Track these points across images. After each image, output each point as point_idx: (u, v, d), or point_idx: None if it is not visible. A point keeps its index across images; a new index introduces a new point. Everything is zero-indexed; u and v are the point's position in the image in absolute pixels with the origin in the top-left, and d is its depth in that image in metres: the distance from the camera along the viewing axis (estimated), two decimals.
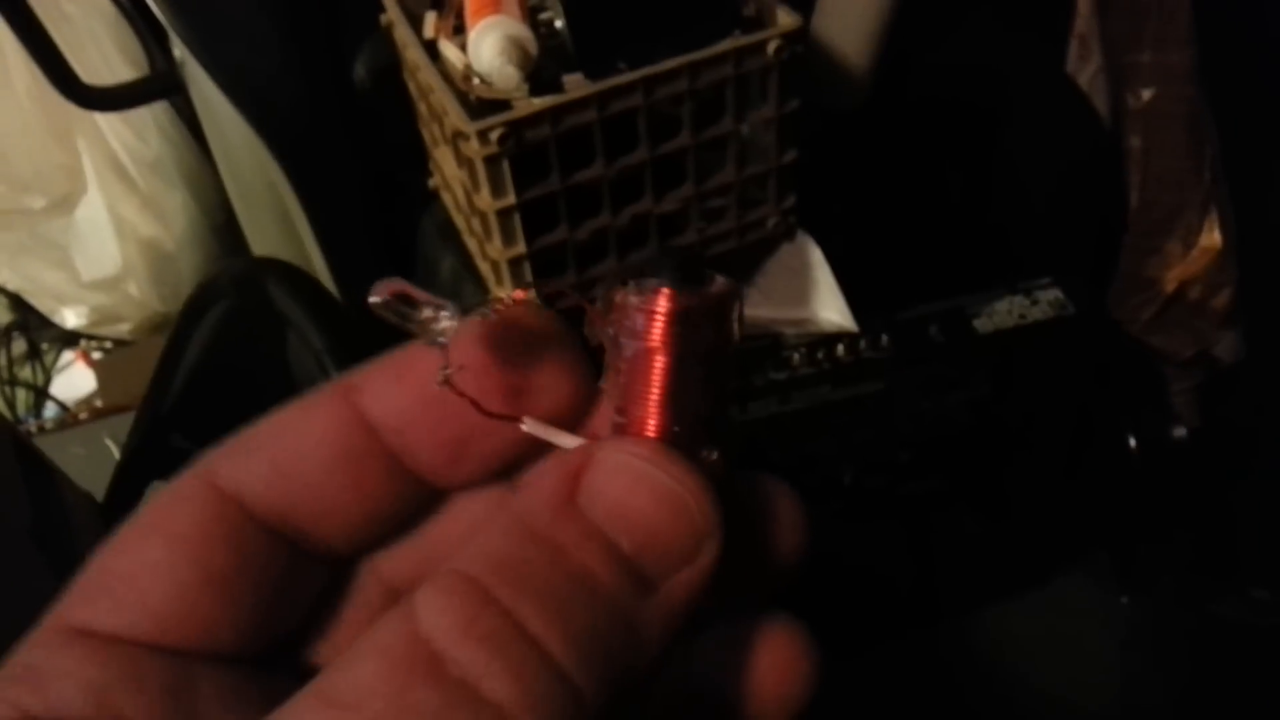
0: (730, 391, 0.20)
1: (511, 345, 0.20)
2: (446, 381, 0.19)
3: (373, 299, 0.19)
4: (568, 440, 0.20)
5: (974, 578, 0.89)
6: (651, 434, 0.19)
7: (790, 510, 0.21)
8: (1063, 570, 0.89)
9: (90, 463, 0.87)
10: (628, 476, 0.18)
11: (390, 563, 0.22)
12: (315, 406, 0.20)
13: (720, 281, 0.19)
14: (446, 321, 0.19)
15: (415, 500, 0.20)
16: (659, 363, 0.19)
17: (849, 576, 0.86)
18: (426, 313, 0.19)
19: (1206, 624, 0.89)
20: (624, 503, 0.18)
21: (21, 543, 0.47)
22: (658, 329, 0.18)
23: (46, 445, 0.93)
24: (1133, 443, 0.82)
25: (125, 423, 0.81)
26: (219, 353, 0.56)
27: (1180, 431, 0.83)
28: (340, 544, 0.20)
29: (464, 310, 0.20)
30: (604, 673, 0.16)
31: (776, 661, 0.21)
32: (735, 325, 0.19)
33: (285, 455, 0.20)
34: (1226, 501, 0.89)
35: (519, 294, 0.20)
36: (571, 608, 0.16)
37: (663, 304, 0.18)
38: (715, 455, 0.19)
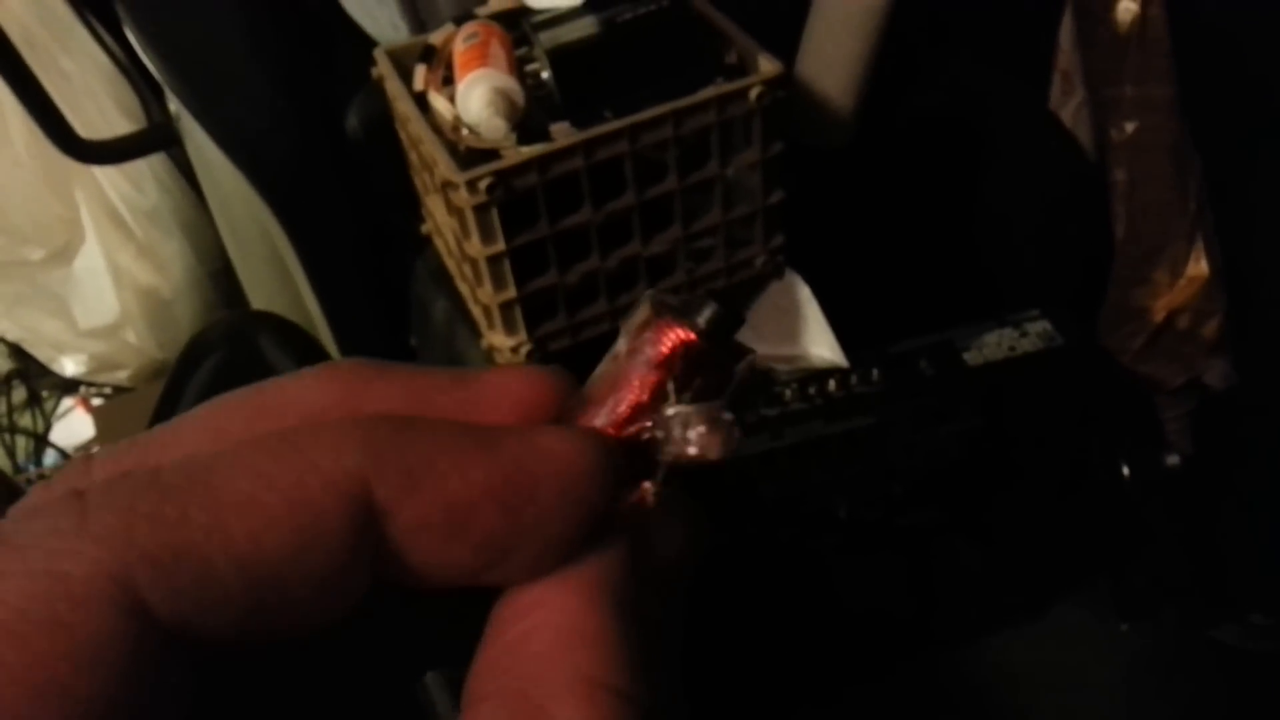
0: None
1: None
2: None
3: None
4: None
5: (972, 609, 0.89)
6: (609, 430, 0.19)
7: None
8: (1061, 599, 0.89)
9: None
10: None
11: None
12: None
13: (743, 349, 0.19)
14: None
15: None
16: (652, 378, 0.19)
17: (846, 609, 0.86)
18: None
19: (1207, 650, 0.89)
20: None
21: None
22: (667, 350, 0.19)
23: None
24: (1126, 471, 0.82)
25: None
26: None
27: (1173, 459, 0.83)
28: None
29: None
30: None
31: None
32: (730, 391, 0.19)
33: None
34: (1222, 527, 0.89)
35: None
36: None
37: (683, 334, 0.19)
38: (650, 487, 0.19)
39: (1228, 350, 0.80)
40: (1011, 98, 0.82)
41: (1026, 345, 0.72)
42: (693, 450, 0.18)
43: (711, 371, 0.19)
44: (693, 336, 0.19)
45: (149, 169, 0.91)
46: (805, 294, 0.68)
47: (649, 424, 0.19)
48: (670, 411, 0.19)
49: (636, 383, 0.19)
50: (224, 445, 0.16)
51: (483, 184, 0.54)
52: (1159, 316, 0.78)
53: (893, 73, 0.72)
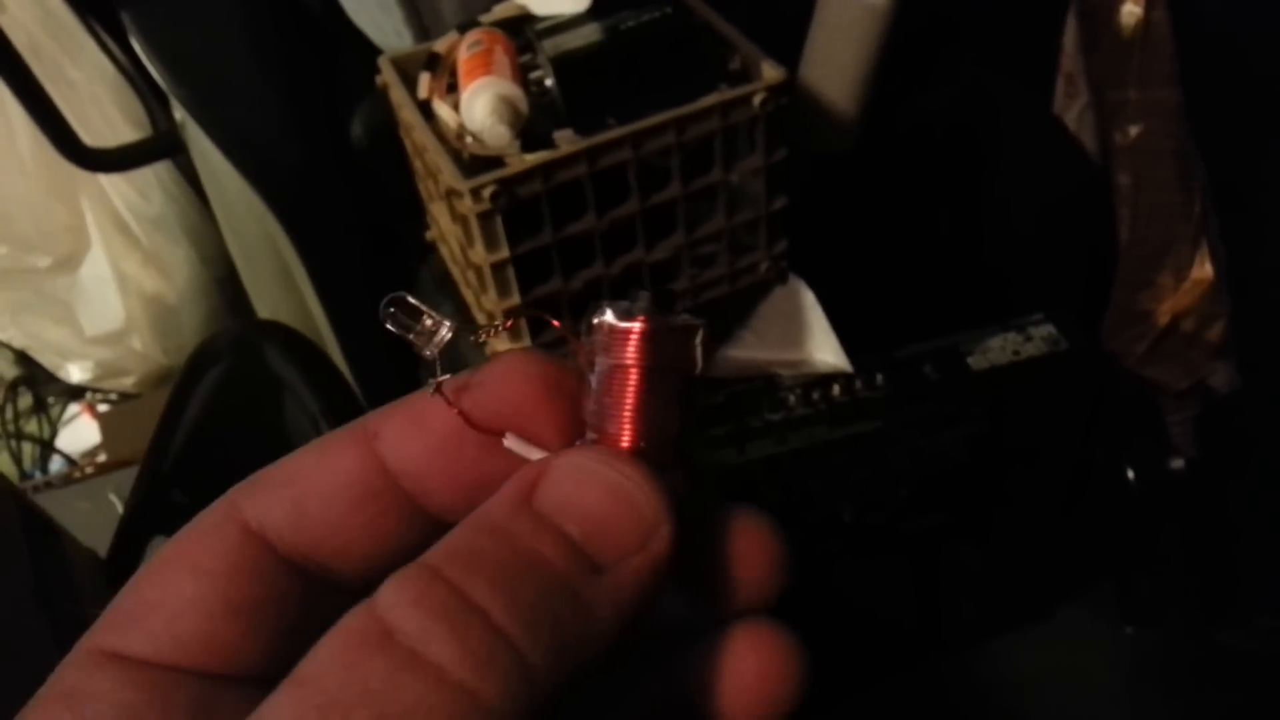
0: (696, 419, 0.22)
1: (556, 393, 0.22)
2: (438, 391, 0.21)
3: (383, 308, 0.21)
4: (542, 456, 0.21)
5: (978, 611, 0.89)
6: (624, 445, 0.21)
7: (763, 534, 0.22)
8: (1066, 602, 0.89)
9: (95, 517, 0.88)
10: (578, 475, 0.19)
11: None
12: (336, 449, 0.21)
13: (687, 316, 0.21)
14: (444, 334, 0.21)
15: (430, 535, 0.21)
16: (631, 378, 0.20)
17: (853, 612, 0.86)
18: (427, 323, 0.21)
19: (1211, 653, 0.89)
20: (574, 496, 0.19)
21: (26, 606, 0.48)
22: (631, 346, 0.20)
23: (52, 500, 0.94)
24: (1131, 474, 0.82)
25: (129, 477, 0.82)
26: (217, 413, 0.57)
27: (1178, 462, 0.83)
28: (358, 577, 0.21)
29: (459, 328, 0.22)
30: (551, 643, 0.17)
31: (757, 663, 0.21)
32: (699, 353, 0.21)
33: (307, 496, 0.21)
34: (1227, 530, 0.89)
35: (509, 323, 0.22)
36: (518, 582, 0.17)
37: (636, 325, 0.20)
38: (680, 473, 0.21)
39: (1232, 354, 0.79)
40: (1015, 102, 0.82)
41: (1031, 349, 0.72)
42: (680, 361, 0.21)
43: (674, 343, 0.21)
44: (640, 324, 0.20)
45: (154, 176, 0.91)
46: (809, 299, 0.68)
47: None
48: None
49: (625, 385, 0.21)
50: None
51: (487, 191, 0.54)
52: (1163, 320, 0.78)
53: (896, 77, 0.72)
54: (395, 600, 0.17)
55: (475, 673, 0.16)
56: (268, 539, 0.20)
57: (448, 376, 0.21)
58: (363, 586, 0.21)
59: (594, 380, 0.21)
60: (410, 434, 0.21)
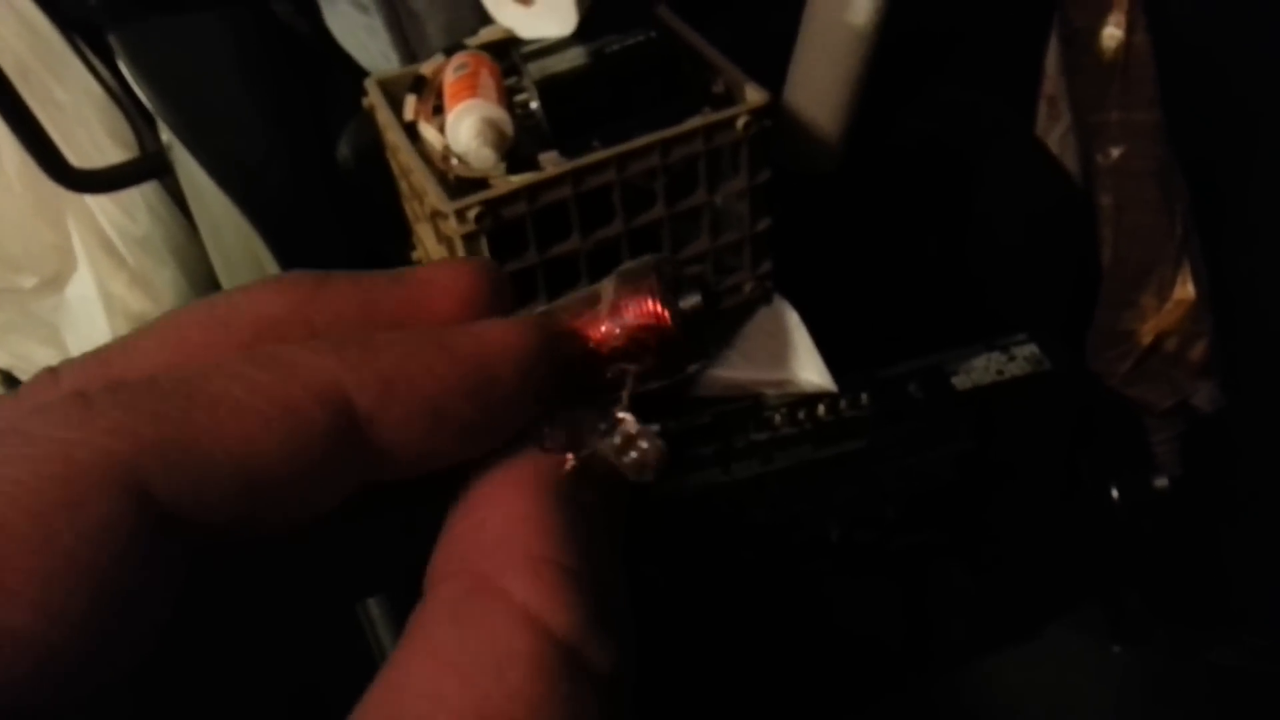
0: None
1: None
2: None
3: None
4: None
5: (966, 631, 0.89)
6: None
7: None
8: (1054, 622, 0.89)
9: None
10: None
11: None
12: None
13: (701, 352, 0.21)
14: None
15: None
16: (614, 337, 0.20)
17: (840, 633, 0.86)
18: None
19: (1200, 672, 0.89)
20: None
21: None
22: (642, 322, 0.20)
23: None
24: (1115, 493, 0.82)
25: None
26: None
27: (1162, 481, 0.84)
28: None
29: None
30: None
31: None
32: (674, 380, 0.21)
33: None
34: (1214, 548, 0.89)
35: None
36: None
37: (662, 314, 0.20)
38: (570, 458, 0.20)
39: (1215, 373, 0.80)
40: (998, 123, 0.83)
41: (1015, 369, 0.72)
42: (621, 463, 0.20)
43: (669, 357, 0.20)
44: (668, 321, 0.20)
45: (141, 197, 0.91)
46: (794, 319, 0.68)
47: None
48: (620, 416, 0.20)
49: (604, 334, 0.20)
50: (186, 355, 0.19)
51: (472, 213, 0.54)
52: (1146, 339, 0.79)
53: (879, 99, 0.73)
54: None
55: None
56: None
57: None
58: None
59: (603, 304, 0.21)
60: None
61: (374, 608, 0.57)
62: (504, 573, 0.17)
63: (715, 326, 0.21)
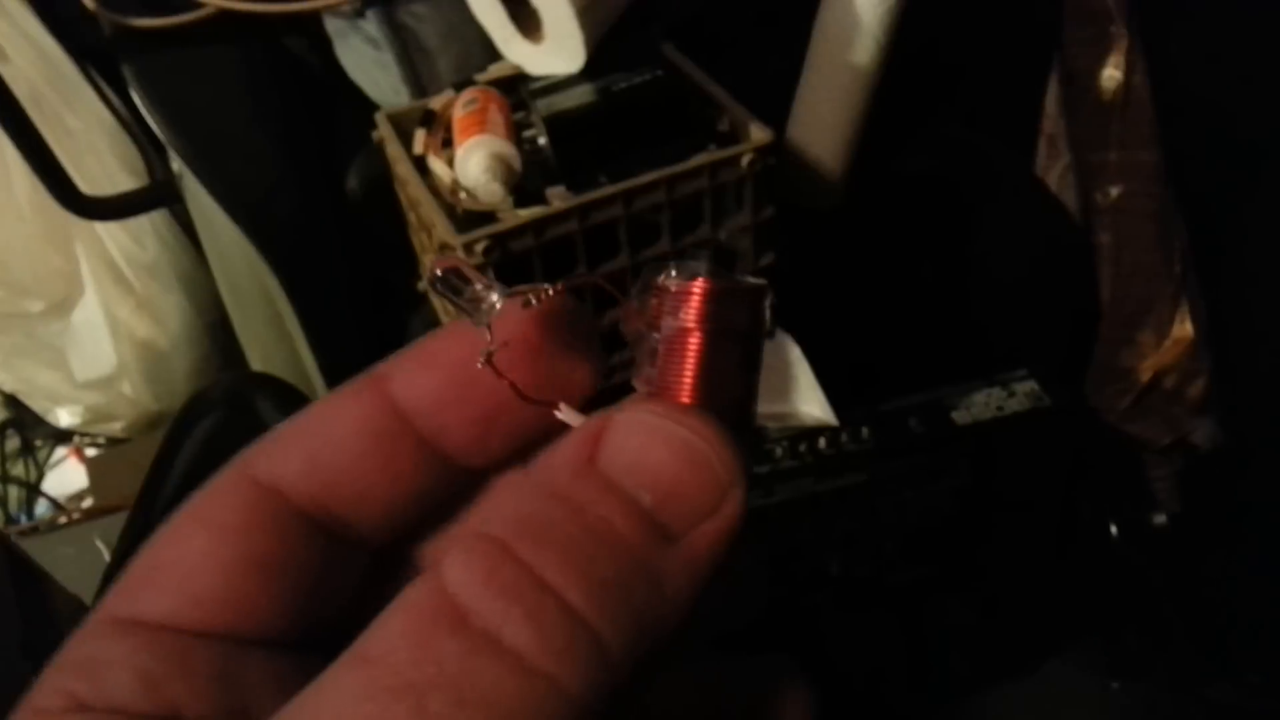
0: (755, 385, 0.20)
1: (554, 333, 0.21)
2: (488, 361, 0.20)
3: (432, 273, 0.20)
4: None
5: (964, 666, 0.89)
6: (685, 403, 0.19)
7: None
8: (1053, 657, 0.89)
9: (80, 564, 0.87)
10: (645, 431, 0.18)
11: (431, 549, 0.22)
12: (347, 396, 0.21)
13: (754, 280, 0.20)
14: (494, 300, 0.20)
15: (448, 482, 0.21)
16: (694, 340, 0.19)
17: (839, 667, 0.86)
18: (477, 289, 0.20)
19: (1199, 709, 0.89)
20: (642, 457, 0.18)
21: (12, 657, 0.48)
22: (694, 307, 0.19)
23: (37, 546, 0.94)
24: (1114, 530, 0.83)
25: (115, 524, 0.81)
26: (208, 463, 0.58)
27: (1161, 518, 0.84)
28: (377, 529, 0.21)
29: (510, 295, 0.20)
30: (627, 621, 0.16)
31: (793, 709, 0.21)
32: (767, 316, 0.20)
33: (318, 444, 0.20)
34: (1213, 585, 0.89)
35: (559, 286, 0.21)
36: (590, 558, 0.16)
37: (699, 285, 0.19)
38: (746, 439, 0.20)
39: (1214, 410, 0.80)
40: (998, 162, 0.84)
41: (1014, 405, 0.73)
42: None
43: (738, 306, 0.20)
44: (702, 283, 0.19)
45: (149, 224, 0.92)
46: (795, 353, 0.69)
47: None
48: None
49: (686, 347, 0.19)
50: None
51: (479, 246, 0.55)
52: (1145, 377, 0.79)
53: (882, 137, 0.74)
54: (464, 578, 0.16)
55: (553, 659, 0.15)
56: (282, 491, 0.20)
57: (494, 346, 0.20)
58: (380, 538, 0.21)
59: (651, 343, 0.20)
60: (420, 373, 0.20)
61: None
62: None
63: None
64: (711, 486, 0.18)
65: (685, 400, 0.19)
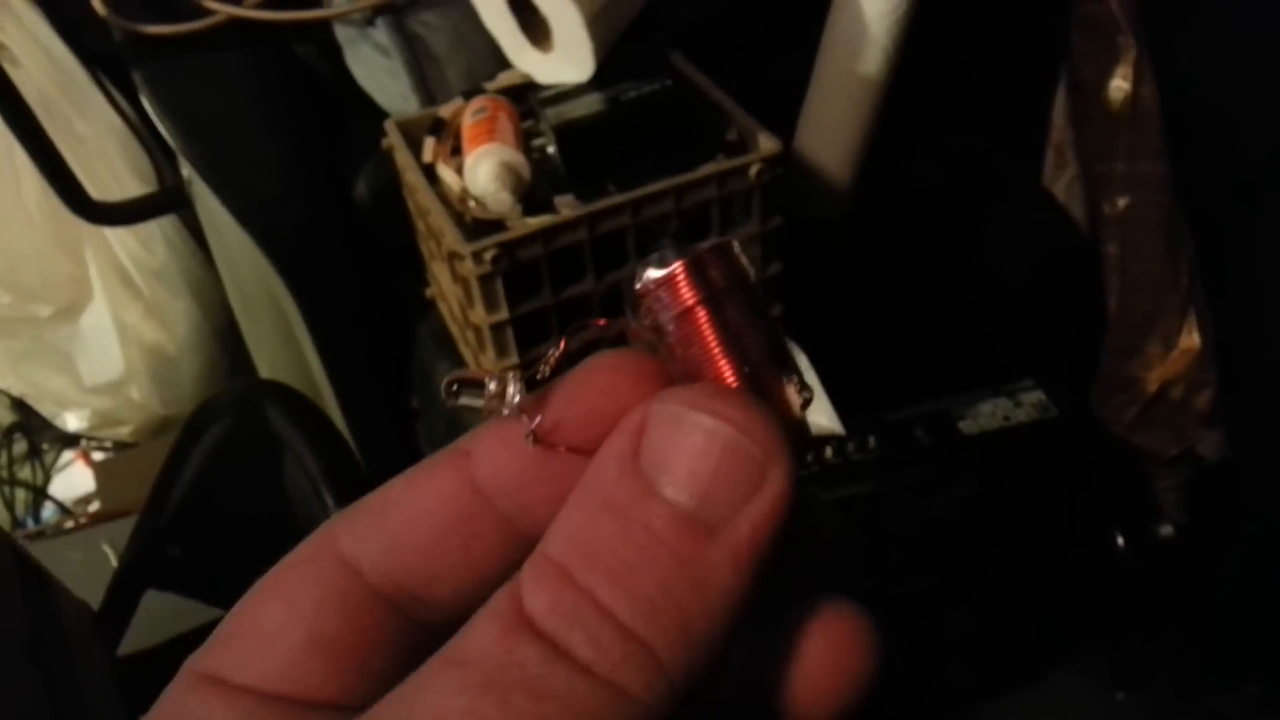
0: (774, 327, 0.21)
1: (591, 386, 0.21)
2: (537, 441, 0.20)
3: (447, 390, 0.21)
4: None
5: (969, 675, 0.89)
6: (730, 382, 0.19)
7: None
8: (1058, 668, 0.89)
9: (87, 568, 0.87)
10: (676, 425, 0.18)
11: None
12: (428, 473, 0.21)
13: (713, 239, 0.21)
14: (512, 389, 0.20)
15: (526, 553, 0.20)
16: (699, 315, 0.19)
17: None
18: (492, 387, 0.21)
19: (1202, 719, 0.88)
20: (677, 452, 0.18)
21: (17, 659, 0.48)
22: (682, 288, 0.19)
23: (44, 550, 0.94)
24: (1120, 540, 0.83)
25: (122, 529, 0.82)
26: (216, 470, 0.58)
27: (1166, 529, 0.84)
28: (448, 605, 0.21)
29: (521, 374, 0.21)
30: (675, 629, 0.17)
31: (827, 646, 0.21)
32: (744, 262, 0.20)
33: (401, 523, 0.21)
34: (1218, 597, 0.89)
35: (561, 345, 0.21)
36: (636, 572, 0.17)
37: (676, 265, 0.20)
38: (790, 382, 0.20)
39: (1220, 421, 0.80)
40: (1005, 172, 0.84)
41: (1021, 415, 0.73)
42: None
43: (718, 265, 0.20)
44: (679, 262, 0.19)
45: (158, 229, 0.92)
46: (803, 362, 0.69)
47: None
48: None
49: (696, 328, 0.20)
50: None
51: (488, 255, 0.55)
52: (1152, 388, 0.79)
53: (889, 147, 0.74)
54: (535, 603, 0.18)
55: (614, 670, 0.17)
56: (361, 569, 0.21)
57: (522, 396, 0.20)
58: (453, 616, 0.21)
59: (665, 344, 0.20)
60: (501, 451, 0.21)
61: None
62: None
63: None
64: (748, 470, 0.18)
65: (722, 376, 0.19)
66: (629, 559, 0.18)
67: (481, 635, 0.18)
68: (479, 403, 0.21)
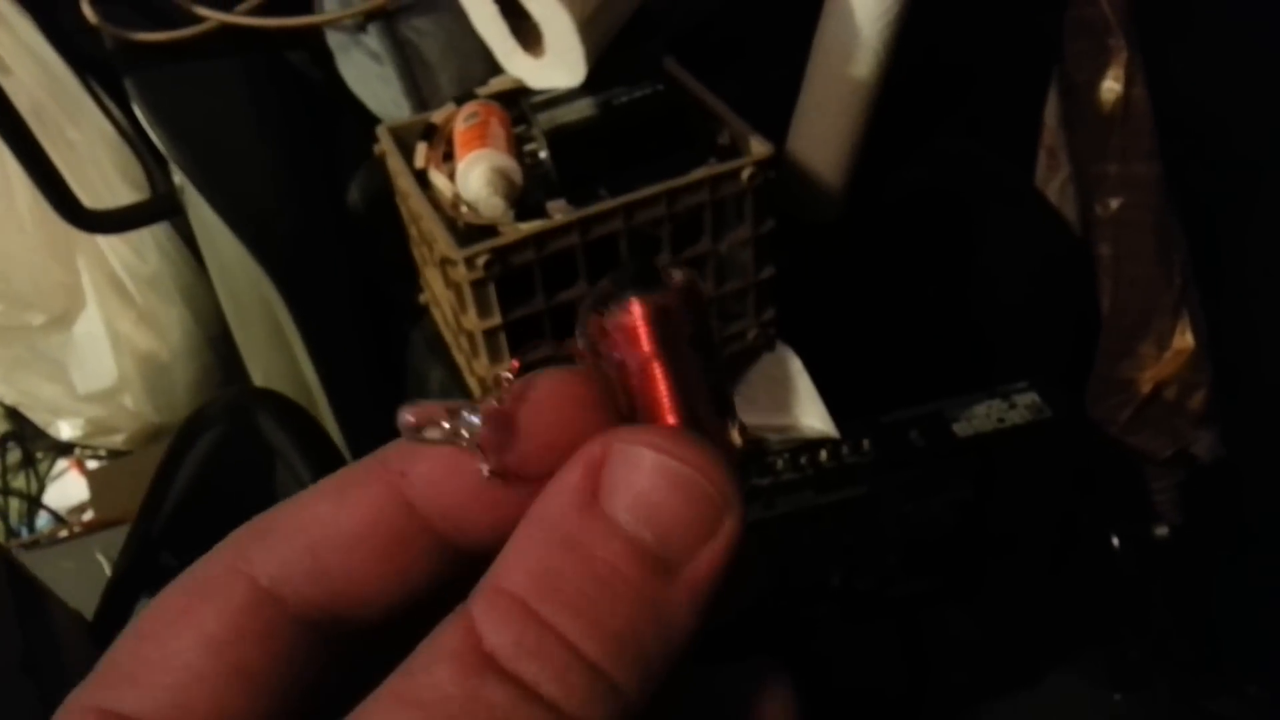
0: (724, 365, 0.21)
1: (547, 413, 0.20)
2: (494, 475, 0.20)
3: (405, 427, 0.20)
4: None
5: (966, 678, 0.89)
6: (679, 422, 0.20)
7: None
8: (1055, 669, 0.89)
9: (81, 577, 0.87)
10: (639, 466, 0.18)
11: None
12: (355, 492, 0.20)
13: (678, 274, 0.20)
14: (474, 421, 0.20)
15: (458, 567, 0.21)
16: (657, 366, 0.19)
17: (840, 679, 0.86)
18: (445, 425, 0.20)
19: None
20: (640, 492, 0.18)
21: (13, 675, 0.48)
22: (642, 336, 0.19)
23: (38, 559, 0.94)
24: (1116, 541, 0.83)
25: (116, 537, 0.81)
26: (209, 478, 0.58)
27: (1162, 529, 0.84)
28: (375, 622, 0.20)
29: (478, 403, 0.20)
30: (638, 664, 0.18)
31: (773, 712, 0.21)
32: (702, 303, 0.20)
33: (325, 546, 0.20)
34: (1214, 597, 0.89)
35: (514, 365, 0.20)
36: (602, 609, 0.18)
37: (637, 312, 0.19)
38: (733, 426, 0.20)
39: (1215, 422, 0.80)
40: (998, 174, 0.84)
41: (1015, 417, 0.73)
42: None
43: (679, 311, 0.20)
44: (639, 309, 0.19)
45: (151, 236, 0.92)
46: (796, 366, 0.69)
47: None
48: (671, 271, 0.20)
49: (652, 376, 0.20)
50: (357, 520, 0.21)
51: (480, 260, 0.55)
52: (1146, 388, 0.79)
53: (882, 149, 0.74)
54: (497, 640, 0.17)
55: (582, 707, 0.17)
56: (282, 596, 0.20)
57: (482, 431, 0.20)
58: (383, 631, 0.21)
59: (619, 378, 0.20)
60: (449, 480, 0.20)
61: None
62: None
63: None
64: (708, 512, 0.19)
65: (672, 421, 0.20)
66: (593, 595, 0.18)
67: (440, 675, 0.17)
68: (437, 437, 0.20)
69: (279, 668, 0.19)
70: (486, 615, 0.18)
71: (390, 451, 0.21)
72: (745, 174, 0.58)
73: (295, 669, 0.20)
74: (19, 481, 1.19)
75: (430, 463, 0.20)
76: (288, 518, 0.20)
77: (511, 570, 0.18)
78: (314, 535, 0.20)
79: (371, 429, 0.78)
